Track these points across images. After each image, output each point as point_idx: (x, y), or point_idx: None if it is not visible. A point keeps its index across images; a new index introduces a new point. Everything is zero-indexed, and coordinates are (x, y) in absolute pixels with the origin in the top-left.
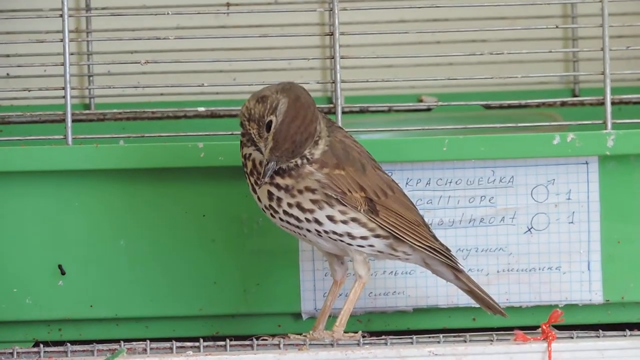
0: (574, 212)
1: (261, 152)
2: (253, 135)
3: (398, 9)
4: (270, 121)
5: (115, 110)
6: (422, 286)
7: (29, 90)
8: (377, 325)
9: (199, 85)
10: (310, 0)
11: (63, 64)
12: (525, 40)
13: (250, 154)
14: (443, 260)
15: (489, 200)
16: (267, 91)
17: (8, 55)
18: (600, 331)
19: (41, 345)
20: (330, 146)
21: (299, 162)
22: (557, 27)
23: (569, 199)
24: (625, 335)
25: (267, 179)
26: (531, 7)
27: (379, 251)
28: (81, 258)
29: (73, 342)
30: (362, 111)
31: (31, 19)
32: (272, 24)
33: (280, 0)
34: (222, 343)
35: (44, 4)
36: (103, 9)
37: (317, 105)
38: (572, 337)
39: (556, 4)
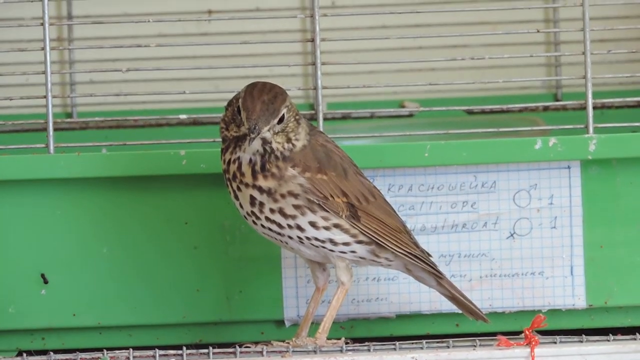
0: (556, 217)
1: (246, 137)
2: (235, 131)
3: (379, 15)
4: (239, 97)
5: (97, 119)
6: (405, 292)
7: (11, 99)
8: (360, 332)
9: (181, 93)
10: (291, 7)
11: (44, 73)
12: (506, 45)
13: (230, 159)
14: (423, 266)
15: (471, 206)
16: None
17: None
18: (584, 336)
19: (24, 355)
20: (312, 149)
21: (269, 159)
22: (538, 31)
23: (551, 203)
24: (608, 340)
25: (255, 145)
26: (512, 12)
27: (361, 257)
28: (64, 267)
29: (56, 351)
30: (344, 117)
31: (12, 28)
32: (254, 31)
33: (262, 7)
34: (205, 351)
35: (26, 13)
36: (84, 17)
37: (300, 112)
38: (555, 342)
39: (537, 8)
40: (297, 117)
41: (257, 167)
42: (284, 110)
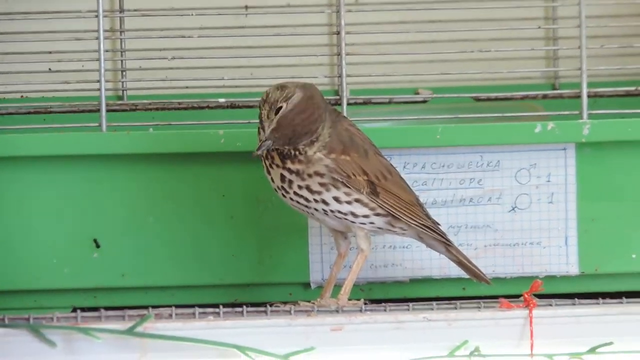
0: (553, 193)
1: (264, 131)
2: (262, 116)
3: (398, 11)
4: (281, 107)
5: (145, 101)
6: (417, 259)
7: (68, 83)
8: (377, 294)
9: (220, 79)
10: (319, 3)
11: (98, 60)
12: (510, 40)
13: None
14: (433, 235)
15: (478, 182)
16: (289, 83)
17: (50, 52)
18: (576, 299)
19: (78, 311)
20: (337, 133)
21: (293, 151)
22: (539, 27)
23: (548, 181)
24: (598, 304)
25: (259, 153)
26: (516, 9)
27: (378, 227)
28: (114, 233)
29: (106, 308)
30: (365, 103)
31: (70, 19)
32: (285, 24)
33: (293, 3)
34: (240, 309)
35: (82, 6)
36: (135, 10)
37: (326, 97)
38: (550, 305)
39: (538, 7)
40: (322, 127)
41: (283, 155)
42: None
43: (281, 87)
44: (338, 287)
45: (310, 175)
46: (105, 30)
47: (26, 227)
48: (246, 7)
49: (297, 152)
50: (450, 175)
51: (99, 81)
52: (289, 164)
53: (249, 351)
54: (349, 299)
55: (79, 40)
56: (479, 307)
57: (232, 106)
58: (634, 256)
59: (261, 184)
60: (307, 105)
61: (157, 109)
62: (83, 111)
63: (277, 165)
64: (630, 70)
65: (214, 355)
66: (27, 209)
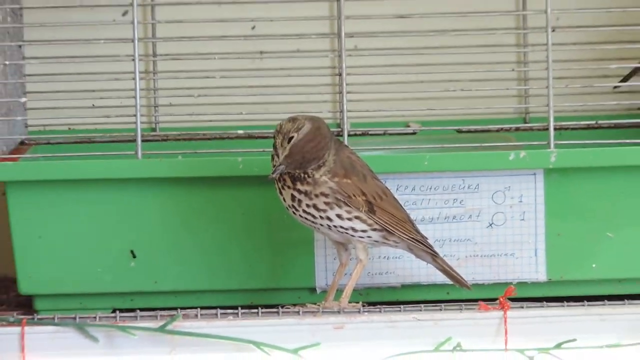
0: (524, 212)
1: (277, 156)
2: (276, 144)
3: (391, 56)
4: (292, 136)
5: (175, 133)
6: (407, 267)
7: (108, 117)
8: (373, 297)
9: (239, 114)
10: (324, 49)
11: (135, 97)
12: (487, 80)
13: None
14: (422, 247)
15: (460, 202)
16: (300, 116)
17: (93, 90)
18: (544, 302)
19: (117, 312)
20: (340, 160)
21: (303, 175)
22: (512, 70)
23: (520, 201)
24: (563, 306)
25: (274, 176)
26: (492, 54)
27: (375, 241)
28: (148, 245)
29: (141, 309)
30: (363, 134)
31: (111, 63)
32: (295, 67)
33: (301, 49)
34: (255, 311)
35: (121, 51)
36: (166, 55)
37: (330, 129)
38: (522, 307)
39: (511, 52)
40: (328, 154)
41: (293, 178)
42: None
43: (293, 120)
44: (340, 291)
45: (317, 196)
46: (140, 72)
47: (74, 240)
48: (261, 52)
49: (306, 176)
50: (436, 196)
51: (135, 115)
52: (298, 186)
53: (263, 346)
54: (349, 302)
55: (118, 80)
56: (461, 309)
57: (250, 137)
58: (594, 266)
59: (274, 203)
60: (315, 135)
61: (185, 139)
62: (121, 141)
63: (289, 187)
64: (590, 107)
65: (233, 349)
66: (75, 225)
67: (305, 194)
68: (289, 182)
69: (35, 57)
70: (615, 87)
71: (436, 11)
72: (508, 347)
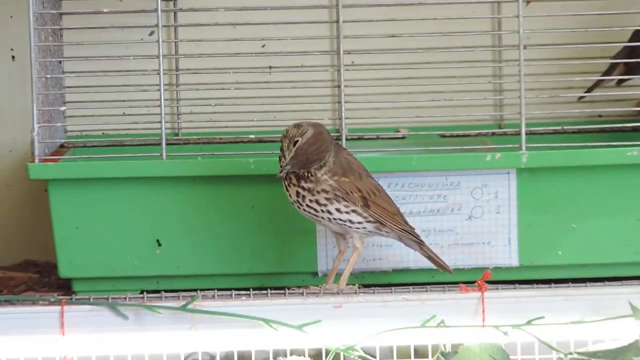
0: (499, 206)
1: (284, 158)
2: (283, 147)
3: (384, 70)
4: (297, 140)
5: (195, 137)
6: (398, 254)
7: (137, 123)
8: (368, 280)
9: (251, 121)
10: (325, 64)
11: (160, 106)
12: (467, 92)
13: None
14: (410, 237)
15: (443, 198)
16: (304, 122)
17: (124, 100)
18: (517, 285)
19: (144, 293)
20: (338, 161)
21: (306, 174)
22: (489, 82)
23: (496, 197)
24: (533, 287)
25: (282, 175)
26: (472, 68)
27: (369, 231)
28: (172, 235)
29: (166, 291)
30: (359, 138)
31: (139, 76)
32: (300, 80)
33: (305, 64)
34: (265, 292)
35: (147, 66)
36: (187, 69)
37: (330, 134)
38: (497, 289)
39: (488, 67)
40: (329, 156)
41: (298, 177)
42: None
43: (297, 126)
44: (339, 275)
45: (318, 192)
46: (165, 85)
47: (107, 230)
48: (270, 67)
49: (309, 175)
50: (422, 193)
51: (160, 122)
52: (302, 183)
53: (271, 323)
54: (347, 284)
55: (145, 92)
56: (444, 290)
57: (260, 141)
58: (560, 252)
59: (281, 199)
60: (317, 139)
61: (204, 142)
62: (148, 144)
63: (294, 184)
64: (557, 115)
65: (246, 326)
66: (108, 217)
67: (309, 190)
68: (294, 180)
69: (73, 71)
70: (580, 97)
71: (423, 31)
72: (485, 324)
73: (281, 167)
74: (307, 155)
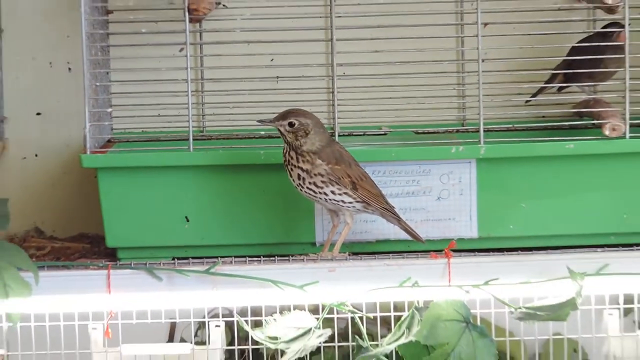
0: (462, 189)
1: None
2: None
3: (369, 79)
4: (291, 123)
5: (216, 133)
6: (380, 228)
7: (169, 122)
8: (356, 249)
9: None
10: (321, 74)
11: (187, 108)
12: (437, 97)
13: (286, 154)
14: (390, 214)
15: (417, 183)
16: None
17: (159, 104)
18: (476, 253)
19: (175, 260)
20: (332, 151)
21: (304, 153)
22: (454, 89)
23: (460, 181)
24: (489, 255)
25: (264, 121)
26: (440, 77)
27: (358, 209)
28: (198, 213)
29: (193, 258)
30: (349, 135)
31: (171, 84)
32: (301, 87)
33: (306, 75)
34: (273, 259)
35: (178, 76)
36: (210, 78)
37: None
38: (460, 256)
39: (452, 76)
40: (308, 131)
41: (296, 153)
42: (292, 120)
43: (286, 114)
44: (333, 245)
45: (315, 175)
46: (192, 91)
47: (145, 208)
48: (277, 77)
49: (306, 155)
50: (400, 178)
51: (188, 121)
52: (300, 164)
53: (278, 283)
54: (340, 252)
55: (176, 96)
56: (418, 257)
57: (269, 137)
58: (511, 227)
59: (286, 183)
60: (317, 123)
61: (224, 138)
62: (178, 140)
63: (294, 166)
64: (509, 115)
65: (258, 286)
66: (146, 197)
67: (307, 172)
68: (294, 161)
69: (118, 80)
70: (527, 101)
71: (400, 48)
72: (451, 284)
73: (285, 161)
74: (284, 116)
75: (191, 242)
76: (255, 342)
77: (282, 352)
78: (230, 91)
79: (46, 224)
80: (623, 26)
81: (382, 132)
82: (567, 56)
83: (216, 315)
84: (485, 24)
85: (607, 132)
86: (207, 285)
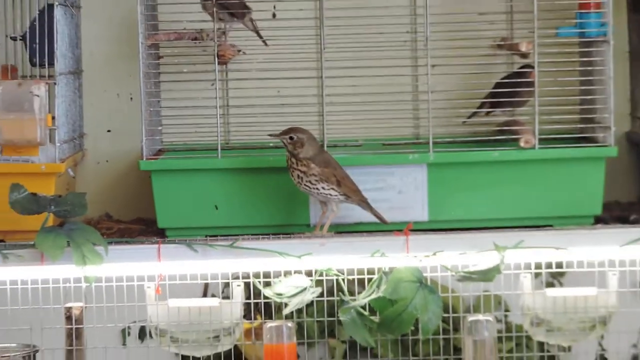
0: (417, 186)
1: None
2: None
3: (349, 104)
4: (292, 137)
5: (239, 144)
6: (358, 214)
7: (203, 136)
8: (340, 230)
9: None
10: (314, 102)
11: (216, 123)
12: (398, 118)
13: (287, 159)
14: (365, 204)
15: (384, 181)
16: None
17: (197, 123)
18: (427, 232)
19: (207, 237)
20: (323, 158)
21: (302, 160)
22: (411, 113)
23: (415, 180)
24: (437, 234)
25: (274, 134)
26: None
27: (341, 200)
28: (224, 203)
29: (220, 236)
30: (335, 145)
31: (204, 109)
32: (299, 111)
33: (303, 101)
34: (279, 236)
35: (209, 103)
36: (235, 105)
37: (314, 142)
38: (416, 234)
39: (409, 103)
40: (304, 143)
41: (295, 159)
42: (292, 135)
43: (287, 131)
44: (322, 226)
45: (310, 175)
46: (220, 114)
47: (186, 199)
48: (283, 104)
49: (303, 160)
50: (372, 178)
51: (217, 136)
52: (299, 167)
53: (283, 254)
54: (328, 232)
55: (209, 118)
56: (384, 235)
57: (276, 147)
58: (453, 213)
59: (289, 181)
60: (310, 137)
61: (246, 147)
62: (209, 149)
63: (294, 169)
64: (451, 131)
65: (267, 256)
66: (187, 192)
67: (304, 173)
68: (294, 164)
69: (167, 106)
70: (463, 122)
71: (374, 83)
72: (409, 255)
73: (288, 165)
74: (286, 133)
75: (219, 224)
76: (266, 297)
77: (286, 305)
78: (249, 114)
79: (113, 211)
80: (533, 67)
81: (359, 144)
82: (492, 89)
83: (237, 278)
84: (433, 65)
85: (522, 144)
86: (230, 256)
